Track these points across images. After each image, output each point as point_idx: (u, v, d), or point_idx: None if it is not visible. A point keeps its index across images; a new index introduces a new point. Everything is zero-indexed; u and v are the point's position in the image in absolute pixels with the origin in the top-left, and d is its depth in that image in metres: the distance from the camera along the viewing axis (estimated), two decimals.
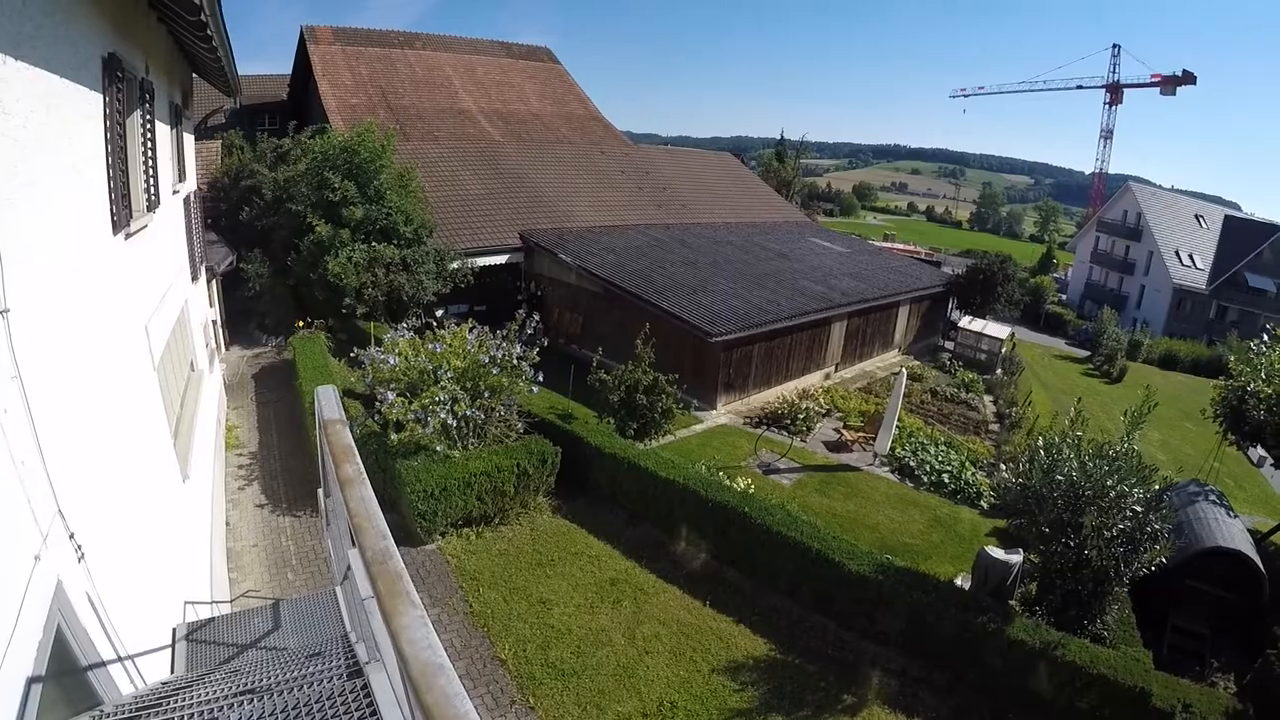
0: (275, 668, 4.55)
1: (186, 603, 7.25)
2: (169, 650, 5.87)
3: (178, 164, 12.56)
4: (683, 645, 11.86)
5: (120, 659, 4.53)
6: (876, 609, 12.26)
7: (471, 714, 1.81)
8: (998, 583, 12.53)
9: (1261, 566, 14.06)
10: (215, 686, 4.31)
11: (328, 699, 3.76)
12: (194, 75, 14.55)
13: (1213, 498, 16.23)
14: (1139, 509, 11.54)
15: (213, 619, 6.78)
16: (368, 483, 3.16)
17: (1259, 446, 17.85)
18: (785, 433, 21.83)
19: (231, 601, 10.77)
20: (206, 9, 7.27)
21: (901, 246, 70.27)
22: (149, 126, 8.66)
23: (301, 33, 36.60)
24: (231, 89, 14.67)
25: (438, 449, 13.64)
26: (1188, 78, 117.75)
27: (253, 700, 3.74)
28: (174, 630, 6.20)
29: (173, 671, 5.64)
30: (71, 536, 4.15)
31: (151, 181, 8.71)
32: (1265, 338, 17.74)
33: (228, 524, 13.30)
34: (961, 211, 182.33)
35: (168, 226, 10.82)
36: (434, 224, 23.99)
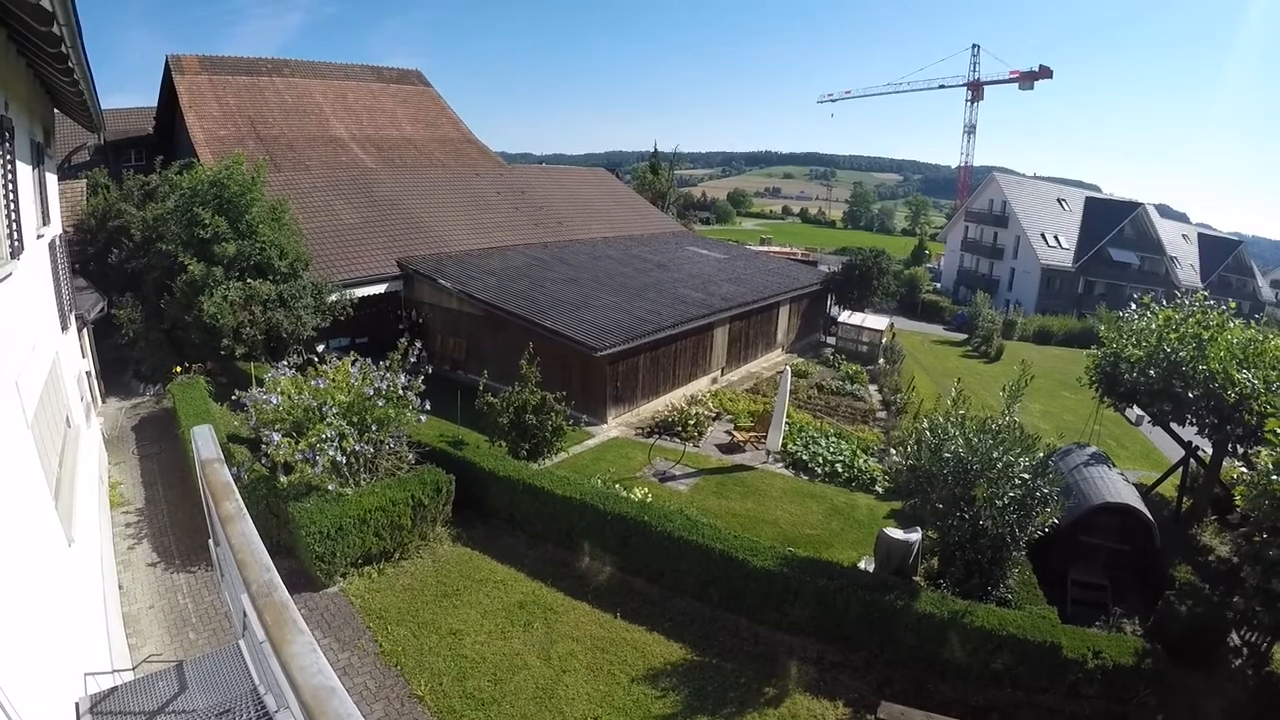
0: None
1: (86, 674, 6.93)
2: None
3: (41, 206, 11.95)
4: (599, 660, 11.95)
5: None
6: (786, 601, 12.60)
7: None
8: (900, 561, 13.09)
9: (1150, 516, 14.88)
10: None
11: None
12: (55, 110, 13.89)
13: (1096, 458, 17.17)
14: (1026, 476, 12.27)
15: (115, 689, 6.49)
16: (248, 518, 3.17)
17: (1135, 407, 18.91)
18: (678, 439, 22.18)
19: (134, 669, 10.29)
20: (67, 40, 6.99)
21: (778, 249, 71.61)
22: (9, 167, 8.28)
23: (167, 62, 35.21)
24: (95, 124, 14.07)
25: (329, 488, 13.36)
26: (1045, 72, 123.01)
27: None
28: (77, 705, 5.95)
29: None
30: None
31: (15, 226, 8.32)
32: (1133, 306, 18.92)
33: (120, 587, 12.67)
34: (835, 211, 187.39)
35: (34, 274, 10.35)
36: (309, 256, 23.52)
